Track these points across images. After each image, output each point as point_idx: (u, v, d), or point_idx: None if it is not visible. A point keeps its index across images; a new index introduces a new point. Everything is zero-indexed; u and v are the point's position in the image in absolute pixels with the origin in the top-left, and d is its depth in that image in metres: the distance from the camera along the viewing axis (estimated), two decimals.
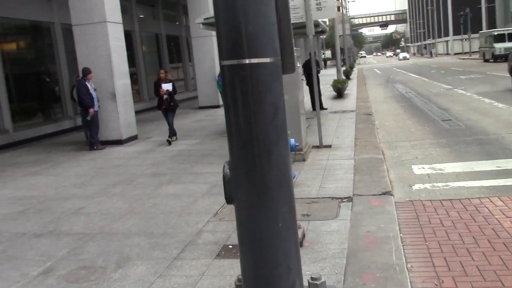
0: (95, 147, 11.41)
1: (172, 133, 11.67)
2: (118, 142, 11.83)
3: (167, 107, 11.49)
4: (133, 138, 12.38)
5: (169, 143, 11.32)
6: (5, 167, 10.07)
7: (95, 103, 11.47)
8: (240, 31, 2.65)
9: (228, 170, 2.93)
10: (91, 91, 11.39)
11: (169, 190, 7.19)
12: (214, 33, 19.26)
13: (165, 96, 11.39)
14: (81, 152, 11.34)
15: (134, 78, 20.03)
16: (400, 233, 4.94)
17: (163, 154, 10.28)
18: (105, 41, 11.69)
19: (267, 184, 2.80)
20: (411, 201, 6.14)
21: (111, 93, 11.83)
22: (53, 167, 9.66)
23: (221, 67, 2.80)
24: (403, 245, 4.65)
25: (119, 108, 11.92)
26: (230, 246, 4.87)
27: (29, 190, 7.83)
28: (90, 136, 11.73)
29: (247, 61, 2.70)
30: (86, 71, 11.37)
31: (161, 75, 11.58)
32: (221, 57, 2.77)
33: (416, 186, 6.76)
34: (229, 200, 2.95)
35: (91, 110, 11.32)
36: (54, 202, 7.01)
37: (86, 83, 11.33)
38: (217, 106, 18.97)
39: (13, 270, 4.64)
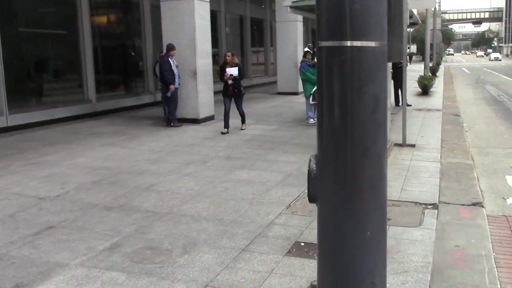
0: (172, 124, 11.44)
1: (243, 119, 11.00)
2: (195, 121, 11.79)
3: (233, 93, 10.59)
4: (210, 118, 12.31)
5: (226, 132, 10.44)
6: (86, 136, 10.28)
7: (176, 80, 11.45)
8: (343, 8, 2.29)
9: (314, 165, 2.59)
10: (173, 67, 11.38)
11: (242, 176, 6.97)
12: (299, 18, 18.87)
13: (230, 81, 10.48)
14: (158, 127, 11.40)
15: (215, 58, 20.05)
16: (493, 252, 4.41)
17: (238, 137, 10.09)
18: (190, 18, 11.63)
19: (359, 186, 2.45)
20: (505, 216, 5.54)
21: (192, 71, 11.78)
22: (130, 140, 9.74)
23: (318, 48, 2.46)
24: (497, 267, 4.13)
25: (199, 87, 11.85)
26: (302, 244, 4.55)
27: (105, 161, 7.89)
28: (168, 112, 11.77)
29: (349, 43, 2.34)
30: (170, 47, 11.37)
31: (227, 57, 10.64)
32: (319, 37, 2.42)
33: (510, 200, 6.12)
34: (312, 199, 2.62)
35: (172, 87, 11.32)
36: (127, 175, 6.99)
37: (169, 59, 11.32)
38: (296, 93, 18.59)
39: (81, 242, 4.58)
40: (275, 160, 7.96)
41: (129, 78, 16.12)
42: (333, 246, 2.56)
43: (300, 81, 19.02)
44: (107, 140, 9.69)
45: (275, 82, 21.07)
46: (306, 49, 13.20)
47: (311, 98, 11.48)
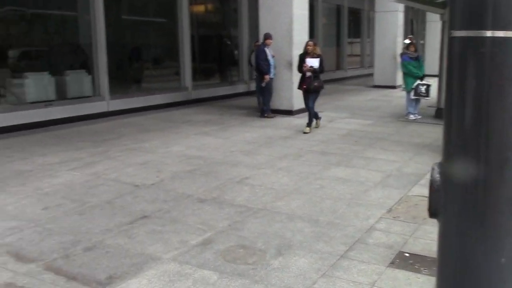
0: (266, 115, 11.27)
1: (314, 116, 9.74)
2: (289, 113, 11.55)
3: (308, 87, 9.46)
4: (304, 110, 11.97)
5: (308, 130, 9.46)
6: (180, 124, 10.38)
7: (272, 70, 11.26)
8: None
9: (437, 175, 2.22)
10: (269, 57, 11.19)
11: (338, 173, 6.62)
12: (400, 7, 17.97)
13: (308, 74, 9.43)
14: (251, 118, 11.28)
15: None
16: None
17: (333, 131, 9.72)
18: (288, 8, 11.35)
19: (493, 204, 2.05)
20: None
21: (288, 62, 11.51)
22: (224, 130, 9.69)
23: (450, 39, 2.07)
24: None
25: (294, 78, 11.55)
26: (407, 255, 4.15)
27: (198, 150, 7.86)
28: (263, 103, 11.61)
29: (489, 33, 1.93)
30: (266, 36, 11.17)
31: (308, 47, 9.52)
32: (452, 26, 2.04)
33: None
34: (433, 213, 2.25)
35: (267, 77, 11.14)
36: (220, 166, 6.89)
37: (265, 49, 11.15)
38: (393, 87, 17.78)
39: (174, 235, 4.49)
40: (373, 157, 7.51)
41: (224, 67, 16.20)
42: (458, 270, 2.19)
43: (398, 74, 18.19)
44: (201, 129, 9.71)
45: (371, 75, 20.31)
46: (408, 40, 12.46)
47: (412, 93, 10.84)
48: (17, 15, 10.81)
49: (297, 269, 3.86)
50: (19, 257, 4.00)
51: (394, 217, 5.02)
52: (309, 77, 9.43)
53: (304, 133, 9.34)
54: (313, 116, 9.72)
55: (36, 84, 10.37)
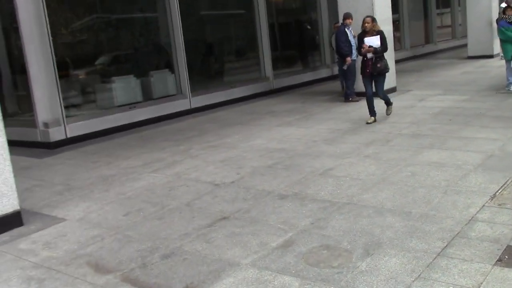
0: (350, 99, 10.75)
1: (387, 102, 8.59)
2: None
3: (372, 71, 8.24)
4: (391, 90, 11.27)
5: (372, 122, 8.36)
6: (262, 115, 10.16)
7: (354, 51, 10.69)
8: None
9: None
10: (350, 38, 10.63)
11: (431, 157, 6.04)
12: None
13: (369, 55, 8.18)
14: (335, 103, 10.80)
15: (396, 24, 18.64)
16: None
17: (424, 110, 9.02)
18: None
19: None
20: None
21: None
22: (306, 119, 9.32)
23: None
24: None
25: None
26: None
27: (280, 142, 7.58)
28: (346, 86, 11.10)
29: None
30: (346, 16, 10.61)
31: (366, 24, 8.29)
32: None
33: None
34: None
35: (348, 59, 10.60)
36: (303, 158, 6.56)
37: (346, 29, 10.59)
38: (491, 56, 16.38)
39: (253, 237, 4.24)
40: (472, 137, 6.81)
41: (305, 52, 15.77)
42: None
43: (496, 42, 16.75)
44: (283, 119, 9.41)
45: (464, 46, 18.87)
46: (504, 4, 11.31)
47: None
48: (102, 22, 11.15)
49: (387, 272, 3.45)
50: (98, 268, 3.95)
51: (500, 205, 4.43)
52: (371, 58, 8.21)
53: (368, 123, 8.27)
54: (387, 102, 8.59)
55: (122, 87, 10.62)
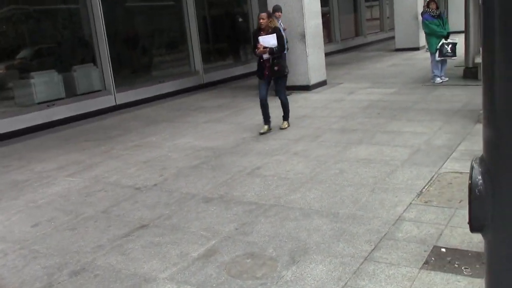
0: None
1: (285, 115, 7.60)
2: (306, 88, 10.84)
3: (270, 73, 7.21)
4: (322, 83, 11.28)
5: (264, 132, 7.32)
6: (190, 111, 9.81)
7: (285, 44, 10.50)
8: None
9: (480, 176, 1.57)
10: (281, 32, 10.43)
11: (360, 153, 5.96)
12: None
13: (265, 56, 7.09)
14: None
15: (326, 17, 18.75)
16: None
17: (353, 104, 9.00)
18: None
19: None
20: None
21: (300, 34, 10.76)
22: (236, 114, 9.07)
23: None
24: None
25: (308, 50, 10.82)
26: (443, 250, 3.51)
27: (207, 140, 7.28)
28: None
29: None
30: (275, 9, 10.40)
31: (261, 21, 7.20)
32: None
33: None
34: (476, 227, 1.61)
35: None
36: (230, 157, 6.30)
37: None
38: (417, 49, 16.80)
39: (173, 246, 3.94)
40: (399, 131, 6.81)
41: (236, 46, 15.50)
42: None
43: (422, 35, 17.15)
44: (212, 116, 9.11)
45: (392, 38, 19.31)
46: None
47: (437, 54, 9.97)
48: (21, 13, 10.39)
49: (313, 281, 3.26)
50: None
51: (426, 202, 4.36)
52: (267, 60, 7.10)
53: (261, 133, 7.23)
54: (285, 113, 7.59)
55: (42, 83, 9.93)
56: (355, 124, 7.41)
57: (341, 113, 8.32)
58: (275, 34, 7.09)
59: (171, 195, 5.10)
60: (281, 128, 7.44)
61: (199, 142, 7.19)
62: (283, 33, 10.30)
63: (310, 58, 10.87)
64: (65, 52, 11.03)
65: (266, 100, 7.33)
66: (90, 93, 10.43)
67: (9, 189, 5.81)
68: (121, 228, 4.38)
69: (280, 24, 10.41)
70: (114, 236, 4.24)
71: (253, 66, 14.65)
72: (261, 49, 7.06)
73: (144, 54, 12.86)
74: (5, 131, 8.51)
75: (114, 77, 10.57)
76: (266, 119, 7.39)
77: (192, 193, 5.12)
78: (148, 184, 5.52)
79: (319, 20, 11.33)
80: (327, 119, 7.97)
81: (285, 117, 7.63)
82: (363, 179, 5.07)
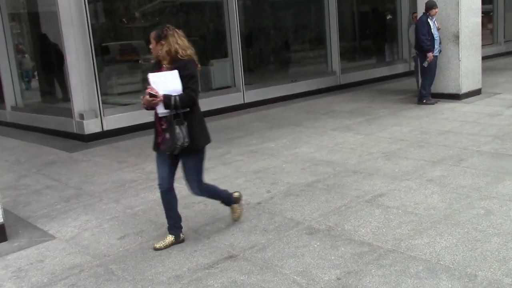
0: (425, 101, 9.34)
1: (224, 200, 4.37)
2: (455, 97, 9.44)
3: (168, 145, 3.81)
4: (475, 92, 9.75)
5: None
6: (320, 115, 9.03)
7: (436, 46, 9.20)
8: None
9: None
10: (433, 30, 9.12)
11: None
12: None
13: (159, 111, 3.77)
14: (407, 105, 9.44)
15: (489, 15, 16.67)
16: None
17: None
18: None
19: None
20: None
21: (453, 34, 9.37)
22: (368, 123, 8.09)
23: None
24: None
25: (461, 52, 9.39)
26: None
27: (330, 152, 6.46)
28: (421, 86, 9.65)
29: None
30: (431, 5, 9.10)
31: (150, 46, 3.98)
32: None
33: None
34: None
35: (430, 55, 9.08)
36: (351, 176, 5.42)
37: (429, 20, 9.11)
38: None
39: None
40: None
41: (379, 45, 14.33)
42: None
43: None
44: (342, 122, 8.24)
45: None
46: None
47: None
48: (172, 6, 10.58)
49: None
50: None
51: None
52: (165, 118, 3.80)
53: (156, 249, 3.97)
54: (216, 197, 4.33)
55: None
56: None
57: (495, 131, 6.94)
58: (176, 72, 3.74)
59: (272, 219, 4.41)
60: (234, 220, 4.39)
61: (320, 154, 6.40)
62: (435, 33, 9.02)
63: (463, 62, 9.43)
64: (207, 46, 10.97)
65: (168, 190, 4.09)
66: (220, 89, 10.16)
67: (114, 189, 5.59)
68: (207, 256, 3.79)
69: (434, 22, 9.16)
70: (197, 265, 3.66)
71: (396, 68, 13.45)
72: (148, 97, 3.70)
73: (278, 51, 12.35)
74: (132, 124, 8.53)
75: (244, 74, 10.16)
76: (171, 223, 4.11)
77: (296, 219, 4.37)
78: (252, 201, 4.89)
79: (478, 19, 9.80)
80: (477, 137, 6.67)
81: (226, 201, 4.36)
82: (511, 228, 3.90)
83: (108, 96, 9.39)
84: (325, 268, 3.48)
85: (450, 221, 4.08)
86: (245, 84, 10.19)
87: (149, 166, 6.40)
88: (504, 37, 17.51)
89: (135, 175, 6.09)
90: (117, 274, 3.62)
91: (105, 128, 8.23)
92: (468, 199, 4.54)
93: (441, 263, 3.42)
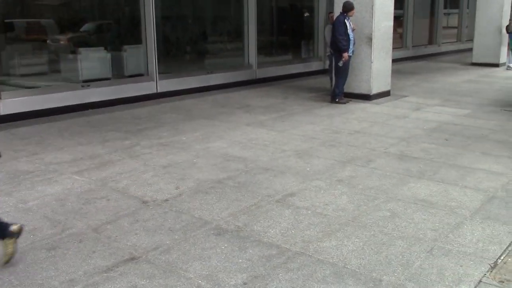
0: (337, 100, 9.51)
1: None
2: (365, 97, 9.71)
3: None
4: (384, 94, 10.09)
5: None
6: (234, 109, 8.91)
7: (351, 46, 9.38)
8: None
9: None
10: (349, 31, 9.28)
11: (419, 191, 4.85)
12: None
13: None
14: (320, 103, 9.57)
15: (399, 20, 17.36)
16: None
17: (418, 124, 7.81)
18: None
19: None
20: None
21: (367, 37, 9.61)
22: (282, 119, 8.08)
23: None
24: None
25: (374, 54, 9.66)
26: None
27: (243, 148, 6.36)
28: (335, 85, 9.81)
29: None
30: (350, 7, 9.23)
31: None
32: None
33: None
34: None
35: (346, 55, 9.24)
36: (262, 173, 5.34)
37: (346, 20, 9.24)
38: (496, 65, 15.19)
39: None
40: (470, 167, 5.62)
41: (296, 41, 14.46)
42: None
43: (503, 51, 15.55)
44: (256, 118, 8.17)
45: (469, 50, 17.69)
46: None
47: None
48: None
49: None
50: None
51: (502, 282, 3.24)
52: None
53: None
54: None
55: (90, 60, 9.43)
56: (417, 151, 6.26)
57: (402, 133, 7.17)
58: None
59: (179, 218, 4.21)
60: (5, 261, 3.42)
61: (233, 150, 6.28)
62: (351, 33, 9.19)
63: (374, 64, 9.70)
64: (119, 31, 10.46)
65: None
66: (132, 76, 9.74)
67: (7, 181, 5.11)
68: (106, 258, 3.52)
69: (350, 23, 9.32)
70: (94, 268, 3.38)
71: (312, 65, 13.64)
72: None
73: (196, 41, 12.06)
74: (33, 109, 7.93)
75: (158, 63, 9.81)
76: None
77: (204, 218, 4.20)
78: (158, 198, 4.66)
79: (390, 22, 10.13)
80: (385, 139, 6.86)
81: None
82: (419, 230, 3.98)
83: (8, 77, 8.69)
84: (231, 271, 3.34)
85: (357, 223, 4.11)
86: (159, 73, 9.83)
87: (49, 156, 5.96)
88: (412, 42, 18.36)
89: (33, 165, 5.62)
90: (2, 278, 3.26)
91: (2, 113, 7.58)
92: (375, 201, 4.60)
93: (348, 267, 3.40)
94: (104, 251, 3.62)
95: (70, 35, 10.24)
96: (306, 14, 14.94)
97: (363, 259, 3.51)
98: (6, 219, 3.60)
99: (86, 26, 10.52)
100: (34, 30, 10.23)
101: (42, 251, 3.62)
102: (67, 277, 3.27)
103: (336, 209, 4.41)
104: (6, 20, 9.01)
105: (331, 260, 3.49)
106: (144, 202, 4.54)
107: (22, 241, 3.70)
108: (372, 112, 8.69)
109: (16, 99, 7.83)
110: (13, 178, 5.21)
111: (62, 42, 10.14)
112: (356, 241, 3.77)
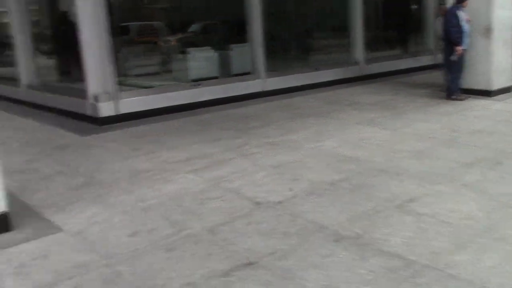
0: (454, 97, 8.89)
1: None
2: (485, 93, 8.97)
3: None
4: (507, 89, 9.28)
5: None
6: (344, 106, 8.66)
7: (465, 39, 8.74)
8: None
9: None
10: (463, 23, 8.66)
11: None
12: None
13: None
14: (434, 100, 9.01)
15: None
16: None
17: None
18: None
19: None
20: None
21: (484, 28, 8.87)
22: (393, 117, 7.69)
23: None
24: None
25: (493, 46, 8.90)
26: None
27: (355, 148, 6.10)
28: (450, 80, 9.19)
29: None
30: None
31: None
32: None
33: None
34: None
35: (459, 49, 8.65)
36: (377, 175, 5.07)
37: (458, 11, 8.63)
38: None
39: None
40: None
41: (405, 36, 13.81)
42: None
43: None
44: (366, 116, 7.85)
45: None
46: None
47: None
48: None
49: None
50: None
51: None
52: None
53: None
54: None
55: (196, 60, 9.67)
56: None
57: None
58: None
59: (294, 221, 4.08)
60: None
61: (345, 149, 6.05)
62: (464, 25, 8.58)
63: (494, 57, 8.94)
64: (226, 30, 10.65)
65: None
66: (238, 75, 9.82)
67: (126, 179, 5.30)
68: (222, 261, 3.48)
69: (463, 15, 8.67)
70: (211, 271, 3.35)
71: (422, 60, 12.96)
72: None
73: (301, 38, 11.91)
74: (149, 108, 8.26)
75: (265, 61, 9.80)
76: None
77: (320, 223, 4.03)
78: (272, 199, 4.56)
79: (510, 12, 9.27)
80: None
81: None
82: None
83: (125, 78, 9.11)
84: (354, 283, 3.14)
85: (491, 234, 3.72)
86: (266, 71, 9.81)
87: (165, 155, 6.12)
88: None
89: (150, 164, 5.80)
90: (125, 278, 3.33)
91: (120, 112, 7.94)
92: (509, 209, 4.17)
93: (487, 286, 3.06)
94: (220, 254, 3.58)
95: (179, 36, 10.57)
96: (414, 6, 14.24)
97: (503, 276, 3.15)
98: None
99: (193, 27, 10.81)
100: (146, 32, 10.70)
101: (160, 252, 3.66)
102: (185, 280, 3.26)
103: (464, 217, 4.04)
104: (122, 24, 9.45)
105: (466, 277, 3.16)
106: (257, 203, 4.47)
107: (142, 240, 3.78)
108: (494, 110, 8.02)
109: (133, 98, 8.17)
110: (133, 176, 5.39)
111: (172, 43, 10.47)
112: (493, 256, 3.40)
